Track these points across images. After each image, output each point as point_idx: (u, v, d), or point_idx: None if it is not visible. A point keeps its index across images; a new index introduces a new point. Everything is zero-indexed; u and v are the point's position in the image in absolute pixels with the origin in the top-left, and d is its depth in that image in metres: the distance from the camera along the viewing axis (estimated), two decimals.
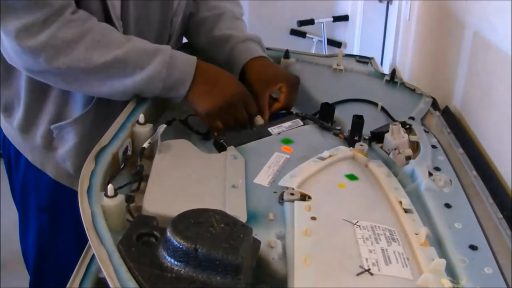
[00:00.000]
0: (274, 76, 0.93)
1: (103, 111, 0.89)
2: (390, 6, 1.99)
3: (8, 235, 1.57)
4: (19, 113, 0.92)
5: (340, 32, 2.64)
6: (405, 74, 1.47)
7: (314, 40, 2.64)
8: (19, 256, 1.08)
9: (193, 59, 0.84)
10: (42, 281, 1.03)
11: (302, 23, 2.53)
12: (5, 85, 0.91)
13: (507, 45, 0.80)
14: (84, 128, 0.90)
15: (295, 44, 2.60)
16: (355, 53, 2.36)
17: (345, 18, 2.56)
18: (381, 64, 1.92)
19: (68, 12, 0.77)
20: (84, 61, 0.78)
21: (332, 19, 2.56)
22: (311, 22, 2.52)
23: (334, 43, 2.63)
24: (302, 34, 2.65)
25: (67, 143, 0.91)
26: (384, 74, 1.09)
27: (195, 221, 0.53)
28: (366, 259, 0.56)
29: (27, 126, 0.93)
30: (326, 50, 2.58)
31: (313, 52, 2.55)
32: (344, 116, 0.91)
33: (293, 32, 2.66)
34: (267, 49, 1.11)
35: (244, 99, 0.85)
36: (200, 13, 1.02)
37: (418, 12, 1.42)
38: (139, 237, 0.55)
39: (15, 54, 0.78)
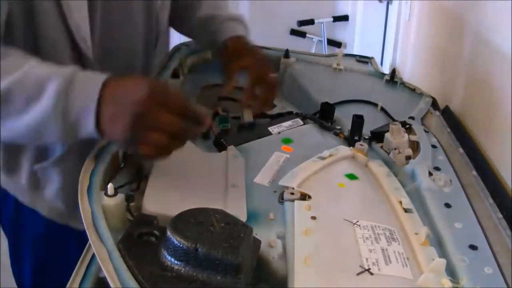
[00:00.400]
0: (243, 51, 0.89)
1: (86, 148, 0.71)
2: (390, 6, 1.99)
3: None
4: (0, 154, 0.85)
5: (340, 32, 2.64)
6: (405, 74, 1.47)
7: (314, 40, 2.64)
8: None
9: (98, 79, 0.60)
10: None
11: (302, 23, 2.53)
12: None
13: (507, 45, 0.80)
14: (69, 166, 0.82)
15: (295, 44, 2.59)
16: (355, 53, 2.35)
17: (345, 18, 2.57)
18: (381, 64, 1.91)
19: None
20: None
21: (332, 19, 2.56)
22: (311, 22, 2.52)
23: (334, 43, 2.63)
24: (302, 34, 2.65)
25: (54, 182, 0.85)
26: (384, 74, 1.09)
27: (195, 221, 0.53)
28: (366, 259, 0.56)
29: (10, 167, 0.86)
30: (326, 50, 2.58)
31: (313, 52, 2.55)
32: (344, 116, 0.91)
33: (293, 32, 2.66)
34: (267, 49, 1.11)
35: (158, 101, 0.59)
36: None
37: (418, 12, 1.42)
38: (140, 236, 0.55)
39: None
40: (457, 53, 1.04)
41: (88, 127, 0.60)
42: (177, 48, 1.09)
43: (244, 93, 0.87)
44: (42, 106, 0.60)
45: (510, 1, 0.80)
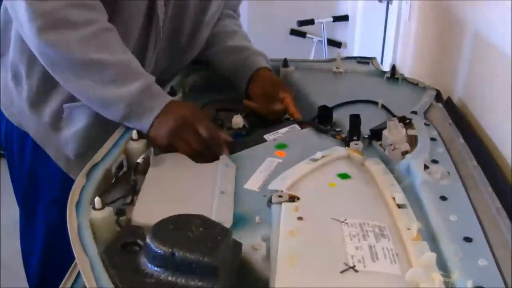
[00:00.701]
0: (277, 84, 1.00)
1: None
2: (390, 6, 1.98)
3: (8, 235, 1.56)
4: (30, 84, 0.89)
5: (340, 32, 2.62)
6: (405, 74, 1.45)
7: (314, 40, 2.62)
8: (19, 256, 1.07)
9: (167, 97, 0.82)
10: (46, 282, 1.01)
11: (302, 23, 2.52)
12: (20, 47, 0.87)
13: (507, 45, 0.78)
14: (94, 113, 0.86)
15: (295, 44, 2.59)
16: (355, 53, 2.34)
17: (345, 18, 2.55)
18: (381, 64, 1.90)
19: None
20: (69, 48, 0.76)
21: (332, 19, 2.54)
22: (311, 22, 2.51)
23: (334, 43, 2.60)
24: (302, 34, 2.63)
25: (75, 125, 0.90)
26: (385, 72, 1.08)
27: (174, 227, 0.54)
28: (352, 256, 0.55)
29: (37, 99, 0.90)
30: (326, 50, 2.55)
31: (313, 51, 2.53)
32: (345, 118, 0.90)
33: (293, 32, 2.65)
34: None
35: (193, 122, 0.79)
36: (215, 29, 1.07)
37: (418, 12, 1.40)
38: (124, 246, 0.56)
39: (21, 8, 0.75)
40: (457, 53, 1.02)
41: (142, 126, 0.79)
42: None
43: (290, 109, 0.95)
44: (118, 95, 0.78)
45: (510, 1, 0.78)
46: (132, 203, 0.69)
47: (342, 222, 0.60)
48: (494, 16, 0.87)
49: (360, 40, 2.34)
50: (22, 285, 1.14)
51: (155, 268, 0.52)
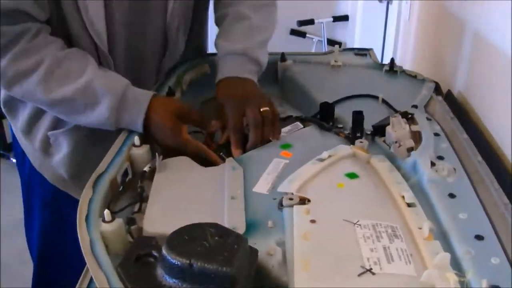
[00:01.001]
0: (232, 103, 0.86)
1: None
2: (390, 6, 1.99)
3: (8, 235, 1.58)
4: (23, 115, 0.94)
5: (340, 32, 2.62)
6: None
7: (314, 40, 2.63)
8: (19, 256, 1.10)
9: (144, 98, 0.81)
10: (45, 274, 1.07)
11: (302, 23, 2.52)
12: None
13: (507, 45, 0.78)
14: (78, 137, 0.92)
15: (295, 44, 2.58)
16: None
17: (345, 18, 2.55)
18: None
19: (24, 40, 0.78)
20: (35, 94, 0.79)
21: (332, 19, 2.55)
22: (311, 22, 2.51)
23: (334, 43, 2.60)
24: (302, 34, 2.64)
25: (62, 150, 0.94)
26: (383, 65, 1.07)
27: (189, 237, 0.53)
28: (368, 259, 0.55)
29: (29, 129, 0.95)
30: (326, 50, 2.57)
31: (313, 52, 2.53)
32: (346, 113, 0.90)
33: (293, 32, 2.65)
34: None
35: (184, 117, 0.83)
36: (217, 11, 1.00)
37: (418, 12, 1.40)
38: (138, 258, 0.56)
39: None
40: (457, 53, 1.02)
41: (137, 130, 0.80)
42: (175, 65, 1.10)
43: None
44: (97, 115, 0.79)
45: (510, 1, 0.78)
46: (140, 210, 0.69)
47: (355, 224, 0.61)
48: (494, 16, 0.87)
49: (360, 40, 2.35)
50: (22, 285, 1.15)
51: (173, 280, 0.51)
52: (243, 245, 0.53)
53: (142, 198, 0.70)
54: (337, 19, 2.56)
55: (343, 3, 2.60)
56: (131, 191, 0.73)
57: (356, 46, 2.39)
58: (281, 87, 1.09)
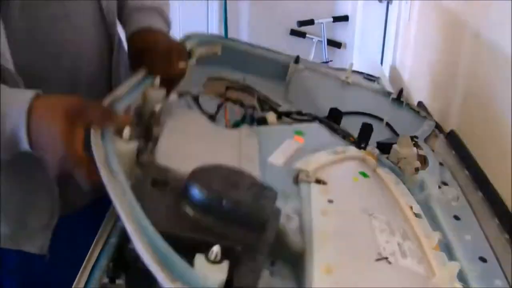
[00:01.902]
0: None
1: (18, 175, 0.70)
2: (390, 6, 1.98)
3: None
4: None
5: (340, 32, 2.60)
6: (405, 74, 1.45)
7: (314, 40, 2.59)
8: None
9: (24, 99, 0.58)
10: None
11: (302, 23, 2.50)
12: None
13: (507, 45, 0.79)
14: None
15: (295, 44, 2.55)
16: (355, 53, 2.34)
17: (345, 18, 2.53)
18: (381, 64, 1.91)
19: None
20: None
21: (332, 19, 2.52)
22: (311, 22, 2.49)
23: (334, 43, 2.59)
24: (302, 34, 2.60)
25: None
26: (390, 93, 1.10)
27: (220, 175, 0.50)
28: (384, 248, 0.54)
29: None
30: (326, 50, 2.54)
31: (313, 52, 2.51)
32: (349, 126, 0.91)
33: (293, 32, 2.61)
34: (277, 53, 1.10)
35: (80, 115, 0.58)
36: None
37: (418, 12, 1.41)
38: (153, 184, 0.52)
39: None
40: (456, 53, 1.03)
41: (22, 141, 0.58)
42: (188, 36, 1.05)
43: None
44: None
45: (510, 1, 0.79)
46: (146, 148, 0.64)
47: (370, 214, 0.60)
48: (494, 16, 0.88)
49: (360, 40, 2.31)
50: None
51: (195, 211, 0.47)
52: (274, 198, 0.51)
53: (150, 136, 0.65)
54: (337, 19, 2.54)
55: (343, 3, 2.59)
56: (137, 131, 0.67)
57: (356, 46, 2.36)
58: (287, 87, 1.09)
